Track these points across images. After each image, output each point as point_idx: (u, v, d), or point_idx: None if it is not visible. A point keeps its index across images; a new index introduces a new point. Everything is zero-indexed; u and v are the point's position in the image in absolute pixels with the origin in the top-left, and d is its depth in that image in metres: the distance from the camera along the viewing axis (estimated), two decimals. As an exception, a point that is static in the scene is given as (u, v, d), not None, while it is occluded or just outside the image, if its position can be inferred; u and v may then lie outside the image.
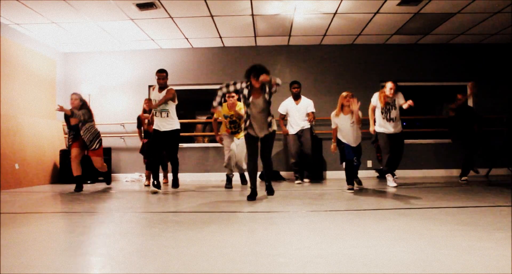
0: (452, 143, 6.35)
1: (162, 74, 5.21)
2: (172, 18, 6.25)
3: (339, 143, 5.03)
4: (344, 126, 4.88)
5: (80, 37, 7.12)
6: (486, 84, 7.75)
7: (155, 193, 5.02)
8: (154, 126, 5.25)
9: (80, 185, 5.42)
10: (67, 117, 5.45)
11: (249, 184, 4.52)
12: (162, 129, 5.15)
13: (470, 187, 5.20)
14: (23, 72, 6.63)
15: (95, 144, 5.45)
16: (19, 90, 6.51)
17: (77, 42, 7.44)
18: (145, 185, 6.42)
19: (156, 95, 5.21)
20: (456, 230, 2.37)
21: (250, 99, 4.18)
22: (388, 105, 5.40)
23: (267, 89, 4.16)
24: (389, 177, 5.51)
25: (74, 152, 5.42)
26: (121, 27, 6.62)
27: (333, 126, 5.00)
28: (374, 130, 5.51)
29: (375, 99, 5.48)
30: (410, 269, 1.60)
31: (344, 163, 5.06)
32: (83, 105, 5.48)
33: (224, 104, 5.75)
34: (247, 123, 4.28)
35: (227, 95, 5.56)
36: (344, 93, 4.84)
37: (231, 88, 4.26)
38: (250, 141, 4.35)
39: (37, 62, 7.04)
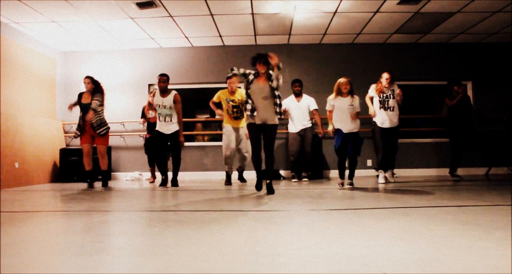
0: (450, 141, 6.35)
1: (163, 77, 5.45)
2: (172, 17, 6.24)
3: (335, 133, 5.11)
4: (342, 108, 4.90)
5: (80, 36, 7.11)
6: (486, 83, 7.76)
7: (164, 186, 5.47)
8: (158, 128, 5.49)
9: (92, 181, 5.65)
10: (79, 98, 5.67)
11: (255, 175, 4.70)
12: (166, 133, 5.42)
13: (470, 186, 5.20)
14: (23, 72, 6.62)
15: (102, 129, 5.60)
16: (19, 89, 6.50)
17: (77, 41, 7.43)
18: (150, 182, 6.63)
19: (159, 100, 5.45)
20: (456, 230, 2.37)
21: (253, 83, 4.32)
22: (384, 94, 5.47)
23: (273, 79, 4.27)
24: (381, 174, 5.63)
25: (86, 147, 5.62)
26: (121, 26, 6.61)
27: (328, 108, 5.02)
28: (374, 111, 5.55)
29: (372, 90, 5.61)
30: (410, 269, 1.60)
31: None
32: (96, 88, 5.65)
33: (225, 90, 5.89)
34: (249, 110, 4.35)
35: (228, 81, 5.78)
36: (342, 80, 4.91)
37: (241, 70, 4.51)
38: (253, 131, 4.44)
39: (37, 61, 7.04)
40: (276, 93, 4.39)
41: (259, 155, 4.49)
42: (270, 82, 4.33)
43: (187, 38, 7.39)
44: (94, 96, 5.54)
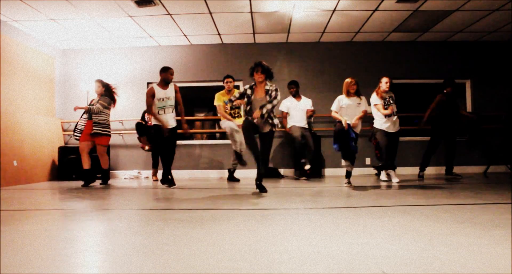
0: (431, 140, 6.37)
1: (172, 70, 5.39)
2: (170, 15, 6.23)
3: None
4: (349, 108, 5.02)
5: (79, 34, 7.09)
6: (484, 81, 7.76)
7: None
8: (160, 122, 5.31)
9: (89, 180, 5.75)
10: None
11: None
12: (170, 126, 5.35)
13: (469, 184, 5.21)
14: (22, 70, 6.60)
15: (99, 130, 5.68)
16: (18, 87, 6.48)
17: (76, 39, 7.41)
18: (154, 180, 6.66)
19: (162, 93, 5.31)
20: (455, 228, 2.37)
21: (253, 98, 4.42)
22: (385, 100, 5.46)
23: (270, 97, 4.39)
24: (383, 172, 5.79)
25: (82, 145, 5.72)
26: (119, 24, 6.59)
27: (335, 109, 5.07)
28: (390, 108, 5.49)
29: (376, 99, 5.49)
30: (409, 267, 1.61)
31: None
32: (106, 90, 5.87)
33: (222, 92, 6.05)
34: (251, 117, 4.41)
35: (225, 80, 6.03)
36: (349, 80, 5.03)
37: (237, 94, 4.56)
38: (249, 128, 4.39)
39: (36, 59, 7.01)
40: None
41: (255, 145, 4.44)
42: (267, 97, 4.41)
43: (185, 36, 7.37)
44: (100, 99, 5.76)
